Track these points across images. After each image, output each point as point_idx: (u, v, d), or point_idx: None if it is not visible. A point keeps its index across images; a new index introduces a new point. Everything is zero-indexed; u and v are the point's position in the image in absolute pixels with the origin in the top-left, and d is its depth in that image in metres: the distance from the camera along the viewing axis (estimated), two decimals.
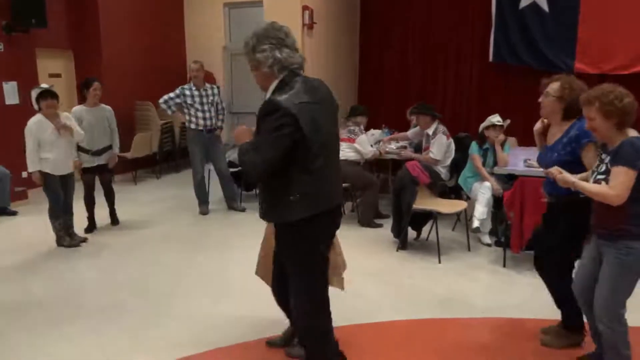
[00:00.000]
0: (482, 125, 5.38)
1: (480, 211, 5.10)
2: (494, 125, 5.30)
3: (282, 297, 2.86)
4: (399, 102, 7.99)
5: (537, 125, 3.40)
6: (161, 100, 6.27)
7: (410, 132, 6.26)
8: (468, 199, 5.47)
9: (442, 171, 5.61)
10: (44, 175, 4.98)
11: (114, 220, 5.94)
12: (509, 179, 5.06)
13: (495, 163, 5.25)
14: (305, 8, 6.72)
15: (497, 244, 5.14)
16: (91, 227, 5.72)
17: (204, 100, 6.23)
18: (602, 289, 2.73)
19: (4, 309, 3.96)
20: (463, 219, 5.44)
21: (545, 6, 7.06)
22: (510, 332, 3.54)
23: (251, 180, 2.58)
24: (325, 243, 2.64)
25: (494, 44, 7.49)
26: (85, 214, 5.65)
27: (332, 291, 2.98)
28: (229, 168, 6.58)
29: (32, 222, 5.90)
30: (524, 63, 7.10)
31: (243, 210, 6.50)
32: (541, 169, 3.39)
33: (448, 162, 5.68)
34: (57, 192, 5.07)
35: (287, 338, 3.30)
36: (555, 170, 2.79)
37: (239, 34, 9.24)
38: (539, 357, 3.23)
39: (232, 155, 6.92)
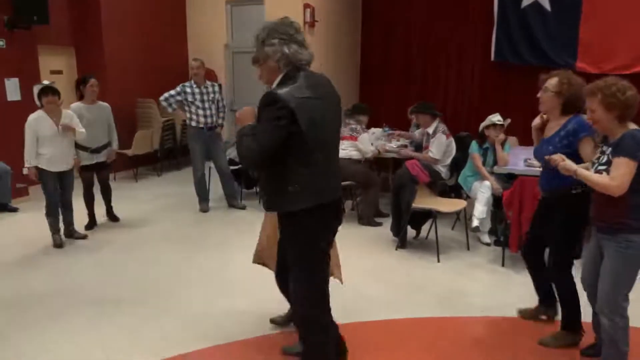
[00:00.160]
0: (483, 124, 5.38)
1: (480, 210, 5.10)
2: (494, 125, 5.29)
3: (284, 283, 2.88)
4: (400, 101, 8.00)
5: (536, 121, 3.42)
6: (162, 98, 6.27)
7: (417, 133, 6.26)
8: (468, 198, 5.47)
9: (442, 170, 5.62)
10: (40, 171, 4.98)
11: (113, 217, 5.94)
12: (508, 179, 5.06)
13: (495, 162, 5.25)
14: (306, 6, 6.74)
15: (497, 243, 5.15)
16: (91, 224, 5.73)
17: (205, 97, 6.23)
18: (603, 283, 2.75)
19: (4, 304, 3.97)
20: (463, 218, 5.44)
21: (547, 5, 7.06)
22: (508, 331, 3.55)
23: (246, 164, 2.61)
24: (325, 236, 2.67)
25: (495, 42, 7.50)
26: (85, 211, 5.67)
27: (331, 288, 3.00)
28: (230, 166, 6.59)
29: (33, 219, 5.91)
30: (525, 62, 7.10)
31: (243, 207, 6.51)
32: (541, 169, 3.42)
33: (448, 161, 5.69)
34: (52, 188, 5.06)
35: (289, 318, 3.41)
36: (558, 157, 2.80)
37: (240, 32, 9.24)
38: (537, 356, 3.24)
39: (233, 152, 6.93)
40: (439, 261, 4.80)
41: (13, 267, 4.71)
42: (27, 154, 4.93)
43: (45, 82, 5.14)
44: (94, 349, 3.34)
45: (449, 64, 8.06)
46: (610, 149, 2.70)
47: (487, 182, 5.15)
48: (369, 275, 4.49)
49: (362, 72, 8.72)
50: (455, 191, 5.87)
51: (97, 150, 5.56)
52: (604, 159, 2.72)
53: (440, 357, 3.25)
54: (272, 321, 3.58)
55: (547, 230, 3.31)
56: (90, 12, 7.85)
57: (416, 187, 5.00)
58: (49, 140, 4.94)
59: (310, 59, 2.57)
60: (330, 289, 2.95)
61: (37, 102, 4.99)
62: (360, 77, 8.74)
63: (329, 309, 2.80)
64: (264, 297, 3.82)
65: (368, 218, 5.85)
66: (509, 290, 4.08)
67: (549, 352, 3.26)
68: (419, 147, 6.02)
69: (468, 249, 5.10)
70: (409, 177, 5.00)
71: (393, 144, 6.31)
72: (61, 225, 5.31)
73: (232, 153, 6.92)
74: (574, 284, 3.26)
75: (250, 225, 5.70)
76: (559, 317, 3.44)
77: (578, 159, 3.03)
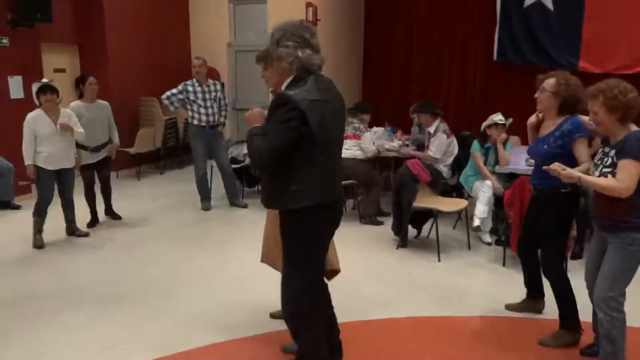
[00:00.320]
0: (484, 123, 5.37)
1: (481, 210, 5.09)
2: (496, 124, 5.28)
3: None
4: (402, 100, 7.99)
5: (532, 119, 3.47)
6: (164, 97, 6.29)
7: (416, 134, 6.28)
8: (469, 197, 5.47)
9: (444, 169, 5.61)
10: (37, 169, 4.98)
11: (113, 214, 5.95)
12: (510, 178, 5.06)
13: (496, 162, 5.24)
14: (309, 5, 6.74)
15: (498, 242, 5.14)
16: (93, 222, 5.75)
17: (207, 96, 6.25)
18: (603, 274, 2.79)
19: (4, 301, 4.00)
20: (464, 217, 5.44)
21: (550, 5, 7.05)
22: (508, 330, 3.54)
23: (255, 164, 2.71)
24: (323, 235, 2.71)
25: (498, 42, 7.49)
26: (87, 209, 5.69)
27: (332, 287, 3.01)
28: (231, 164, 6.60)
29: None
30: (528, 61, 7.09)
31: (245, 206, 6.52)
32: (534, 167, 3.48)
33: (450, 160, 5.68)
34: (47, 188, 5.06)
35: None
36: (558, 167, 2.81)
37: (243, 31, 9.26)
38: (537, 355, 3.23)
39: (235, 151, 6.96)
40: (439, 260, 4.79)
41: (14, 265, 4.73)
42: (26, 152, 4.93)
43: (44, 80, 5.14)
44: (94, 347, 3.36)
45: (451, 63, 8.05)
46: (613, 150, 2.72)
47: (488, 182, 5.14)
48: (370, 274, 4.49)
49: (365, 71, 8.72)
50: (457, 190, 5.87)
51: (96, 149, 5.56)
52: (608, 161, 2.74)
53: (440, 356, 3.25)
54: (272, 315, 3.60)
55: (538, 227, 3.37)
56: (93, 10, 7.86)
57: (417, 186, 5.00)
58: (47, 139, 4.94)
59: (322, 63, 2.62)
60: (330, 288, 2.99)
61: (36, 101, 4.99)
62: (363, 76, 8.73)
63: (328, 305, 2.85)
64: (265, 295, 3.82)
65: (369, 217, 5.85)
66: (509, 290, 4.07)
67: (549, 351, 3.26)
68: (421, 146, 6.02)
69: (469, 248, 5.10)
70: (410, 176, 4.99)
71: (394, 143, 6.31)
72: (63, 225, 5.34)
73: (234, 151, 6.94)
74: (568, 282, 3.30)
75: (252, 224, 5.73)
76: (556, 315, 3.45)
77: (572, 160, 3.08)
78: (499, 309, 3.80)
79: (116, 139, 5.76)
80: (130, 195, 7.00)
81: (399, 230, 5.16)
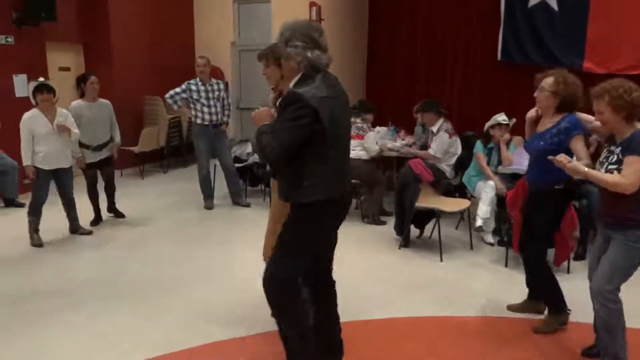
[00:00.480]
0: (488, 124, 5.36)
1: (484, 210, 5.08)
2: (499, 124, 5.28)
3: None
4: (406, 100, 7.99)
5: (531, 113, 3.53)
6: (167, 95, 6.31)
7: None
8: (472, 197, 5.46)
9: (447, 169, 5.60)
10: (35, 169, 4.99)
11: (117, 212, 5.95)
12: (513, 179, 5.05)
13: (499, 162, 5.23)
14: (312, 4, 6.74)
15: (500, 243, 5.13)
16: (97, 220, 5.77)
17: (210, 95, 6.26)
18: (603, 267, 2.82)
19: (6, 299, 4.02)
20: (467, 217, 5.43)
21: (554, 5, 7.02)
22: (509, 330, 3.53)
23: (267, 160, 2.75)
24: (327, 231, 2.77)
25: (502, 42, 7.46)
26: (91, 208, 5.71)
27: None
28: (235, 163, 6.61)
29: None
30: (532, 62, 7.06)
31: (248, 205, 6.53)
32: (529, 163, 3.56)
33: (453, 160, 5.67)
34: (42, 187, 5.07)
35: None
36: (564, 159, 2.83)
37: (247, 30, 9.27)
38: (537, 355, 3.23)
39: (238, 150, 6.97)
40: (441, 260, 4.79)
41: (17, 263, 4.75)
42: (24, 153, 4.94)
43: (41, 79, 5.13)
44: (95, 346, 3.37)
45: (455, 63, 8.03)
46: (619, 148, 2.75)
47: (491, 182, 5.13)
48: (372, 273, 4.49)
49: (368, 71, 8.72)
50: (460, 191, 5.86)
51: (98, 148, 5.56)
52: (614, 158, 2.77)
53: (441, 356, 3.25)
54: (273, 315, 3.58)
55: (528, 218, 3.48)
56: (98, 10, 7.89)
57: (420, 186, 4.99)
58: (44, 139, 4.94)
59: (330, 62, 2.66)
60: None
61: (32, 100, 4.99)
62: (367, 75, 8.73)
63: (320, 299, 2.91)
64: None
65: (372, 216, 5.86)
66: (511, 291, 4.06)
67: (549, 351, 3.26)
68: (425, 146, 6.00)
69: (471, 248, 5.09)
70: (412, 176, 4.99)
71: (397, 143, 6.30)
72: (66, 223, 5.37)
73: (237, 151, 6.95)
74: (549, 269, 3.48)
75: (255, 223, 5.73)
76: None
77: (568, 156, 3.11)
78: (500, 309, 3.79)
79: (118, 138, 5.77)
80: (134, 193, 7.02)
81: (402, 230, 5.16)
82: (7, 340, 3.44)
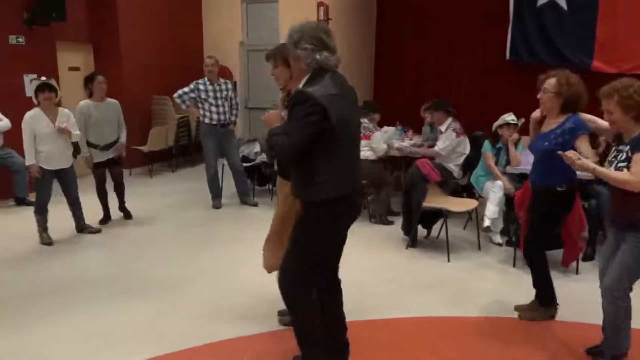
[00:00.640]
0: (496, 123, 5.34)
1: (492, 210, 5.06)
2: (507, 124, 5.25)
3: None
4: (414, 99, 7.95)
5: (536, 114, 3.54)
6: (176, 95, 6.34)
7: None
8: (480, 197, 5.44)
9: (454, 169, 5.59)
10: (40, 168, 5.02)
11: (126, 214, 5.95)
12: (521, 179, 5.03)
13: (508, 162, 5.21)
14: (320, 4, 6.75)
15: (508, 243, 5.10)
16: (106, 218, 5.82)
17: (218, 95, 6.28)
18: (614, 266, 2.82)
19: (17, 296, 4.07)
20: (475, 218, 5.41)
21: (563, 4, 6.97)
22: (515, 331, 3.52)
23: (281, 162, 2.84)
24: (344, 225, 2.79)
25: (510, 41, 7.42)
26: (100, 206, 5.76)
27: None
28: (242, 163, 6.64)
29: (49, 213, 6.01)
30: (540, 61, 7.01)
31: (255, 204, 6.55)
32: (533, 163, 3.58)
33: (461, 160, 5.65)
34: (45, 187, 5.10)
35: None
36: (573, 155, 2.82)
37: (255, 30, 9.29)
38: (543, 356, 3.21)
39: (246, 150, 6.99)
40: (449, 261, 4.78)
41: (27, 261, 4.80)
42: (27, 152, 4.97)
43: (43, 78, 5.15)
44: (100, 342, 3.40)
45: (463, 62, 7.99)
46: (628, 147, 2.75)
47: (499, 182, 5.11)
48: (379, 273, 4.49)
49: (376, 70, 8.70)
50: (468, 191, 5.84)
51: (106, 147, 5.58)
52: (623, 156, 2.77)
53: (446, 356, 3.24)
54: (280, 313, 3.62)
55: (529, 219, 3.53)
56: (107, 9, 7.95)
57: (427, 186, 4.99)
58: (45, 138, 4.97)
59: (338, 63, 2.70)
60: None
61: (34, 100, 5.02)
62: (374, 74, 8.71)
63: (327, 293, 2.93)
64: (273, 293, 3.83)
65: (380, 216, 5.86)
66: (518, 291, 4.04)
67: (556, 351, 3.24)
68: (432, 147, 5.99)
69: (479, 249, 5.07)
70: (420, 176, 4.98)
71: (405, 143, 6.29)
72: (72, 222, 5.42)
73: (245, 150, 6.97)
74: (545, 265, 3.53)
75: (262, 222, 5.69)
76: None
77: None
78: (508, 310, 3.78)
79: (123, 138, 5.73)
80: (143, 192, 7.06)
81: (409, 230, 5.16)
82: (14, 336, 3.47)
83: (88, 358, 3.23)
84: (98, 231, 5.46)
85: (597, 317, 3.12)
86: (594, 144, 3.80)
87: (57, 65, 7.37)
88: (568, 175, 3.28)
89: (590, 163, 2.79)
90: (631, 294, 2.85)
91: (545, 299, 3.60)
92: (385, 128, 6.67)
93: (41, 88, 4.97)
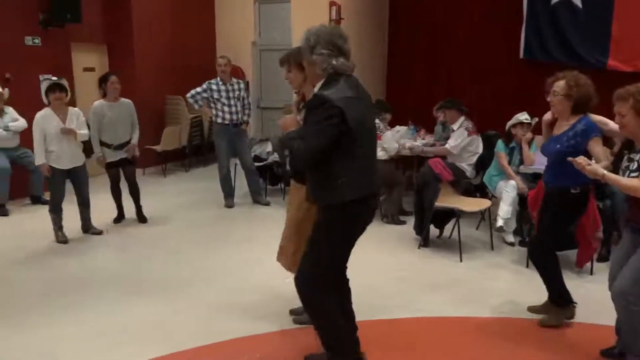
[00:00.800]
0: (509, 122, 5.30)
1: (505, 210, 5.02)
2: (521, 123, 5.22)
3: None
4: (426, 99, 7.91)
5: (547, 116, 3.52)
6: (189, 95, 6.38)
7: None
8: (493, 197, 5.40)
9: (467, 169, 5.56)
10: (50, 168, 5.07)
11: (141, 219, 5.86)
12: (534, 178, 4.99)
13: (521, 162, 5.18)
14: (332, 4, 6.74)
15: (522, 243, 5.07)
16: (120, 217, 5.87)
17: (230, 94, 6.32)
18: (628, 270, 2.78)
19: (32, 293, 4.13)
20: (487, 217, 5.37)
21: (578, 2, 6.88)
22: (526, 332, 3.50)
23: (298, 165, 2.85)
24: (363, 226, 2.80)
25: (524, 40, 7.35)
26: (113, 205, 5.81)
27: (352, 286, 3.03)
28: (255, 162, 6.66)
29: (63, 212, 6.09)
30: (555, 60, 6.94)
31: (268, 204, 6.57)
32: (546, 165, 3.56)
33: (474, 159, 5.62)
34: (59, 186, 5.15)
35: None
36: (583, 161, 2.80)
37: (268, 30, 9.32)
38: (557, 356, 3.19)
39: (258, 149, 7.02)
40: (461, 261, 4.75)
41: (42, 259, 4.87)
42: (37, 152, 5.03)
43: (53, 78, 5.20)
44: (113, 339, 3.44)
45: (476, 62, 7.93)
46: (639, 155, 2.72)
47: (512, 182, 5.08)
48: (390, 273, 4.48)
49: (389, 70, 8.67)
50: (480, 190, 5.80)
51: (119, 147, 5.59)
52: (634, 165, 2.73)
53: (457, 356, 3.23)
54: (292, 312, 3.63)
55: (541, 218, 3.50)
56: (122, 11, 8.02)
57: (439, 185, 4.97)
58: (56, 138, 5.01)
59: (353, 67, 2.72)
60: (350, 285, 3.02)
61: (45, 99, 5.07)
62: (387, 74, 8.69)
63: (341, 295, 2.93)
64: (285, 292, 3.85)
65: (392, 216, 5.84)
66: (531, 292, 4.00)
67: (569, 352, 3.21)
68: None
69: (492, 249, 5.04)
70: (432, 175, 4.97)
71: (418, 142, 6.27)
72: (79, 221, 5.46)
73: (257, 150, 7.00)
74: (556, 266, 3.45)
75: (274, 222, 5.74)
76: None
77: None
78: (520, 310, 3.75)
79: (135, 139, 5.71)
80: (156, 192, 7.12)
81: (421, 229, 5.14)
82: (27, 330, 3.53)
83: (98, 356, 3.26)
84: (100, 232, 5.47)
85: (611, 318, 3.09)
86: (608, 143, 3.76)
87: (72, 65, 7.46)
88: (582, 177, 3.22)
89: (600, 169, 2.76)
90: None
91: (559, 300, 3.54)
92: (398, 127, 6.66)
93: (52, 88, 5.02)
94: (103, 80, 5.58)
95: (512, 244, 5.11)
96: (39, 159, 5.05)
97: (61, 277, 4.44)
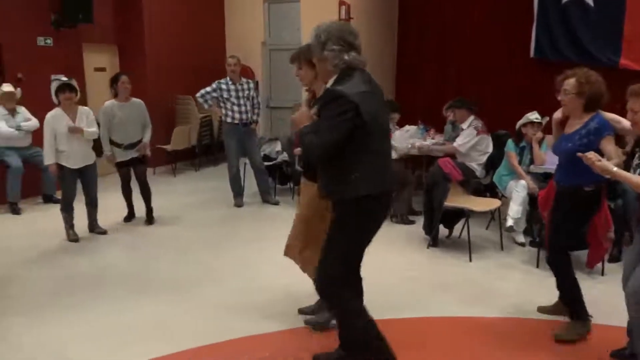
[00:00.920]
0: (520, 122, 5.28)
1: (515, 210, 5.00)
2: (531, 123, 5.18)
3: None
4: (436, 98, 7.88)
5: (558, 115, 3.44)
6: (198, 95, 6.41)
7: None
8: (503, 197, 5.38)
9: (477, 168, 5.53)
10: (60, 168, 5.13)
11: (149, 219, 5.84)
12: (545, 178, 4.96)
13: (531, 161, 5.15)
14: (342, 3, 6.75)
15: (532, 244, 5.03)
16: (130, 216, 5.91)
17: (240, 94, 6.34)
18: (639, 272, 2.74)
19: (44, 290, 4.17)
20: (497, 217, 5.34)
21: (590, 0, 6.83)
22: (534, 332, 3.48)
23: (312, 161, 2.83)
24: (380, 221, 2.78)
25: (535, 39, 7.30)
26: (123, 204, 5.87)
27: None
28: (264, 162, 6.68)
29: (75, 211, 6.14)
30: (566, 59, 6.89)
31: (277, 203, 6.58)
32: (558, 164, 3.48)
33: (483, 159, 5.58)
34: (69, 185, 5.20)
35: (317, 307, 3.51)
36: (593, 156, 2.76)
37: (277, 30, 9.34)
38: (567, 358, 3.17)
39: (267, 149, 7.04)
40: (471, 260, 4.73)
41: (53, 257, 4.92)
42: (47, 152, 5.08)
43: (63, 78, 5.25)
44: (122, 336, 3.47)
45: (486, 61, 7.89)
46: None
47: (522, 182, 5.05)
48: (399, 272, 4.48)
49: (398, 69, 8.66)
50: (490, 190, 5.77)
51: (129, 147, 5.62)
52: None
53: (464, 356, 3.22)
54: (301, 311, 3.64)
55: (553, 217, 3.41)
56: (133, 11, 8.08)
57: (449, 185, 4.95)
58: (66, 137, 5.06)
59: (366, 62, 2.71)
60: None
61: (54, 99, 5.11)
62: (396, 73, 8.67)
63: (360, 293, 2.94)
64: (294, 291, 3.87)
65: (401, 216, 5.83)
66: (540, 292, 3.98)
67: (579, 354, 3.19)
68: None
69: (502, 249, 5.01)
70: (441, 175, 4.95)
71: (427, 142, 6.25)
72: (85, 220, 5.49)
73: (266, 149, 7.02)
74: (571, 271, 3.34)
75: (284, 221, 5.73)
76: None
77: None
78: (530, 311, 3.73)
79: (147, 137, 5.71)
80: (166, 191, 7.16)
81: (430, 229, 5.12)
82: (38, 328, 3.57)
83: (106, 354, 3.28)
84: (104, 232, 5.48)
85: (622, 319, 3.07)
86: (620, 142, 3.72)
87: (83, 66, 7.53)
88: (595, 175, 3.17)
89: (610, 165, 2.72)
90: None
91: (580, 312, 3.37)
92: (407, 127, 6.64)
93: (61, 88, 5.07)
94: (114, 81, 5.62)
95: (522, 244, 5.08)
96: (47, 159, 5.11)
97: (71, 275, 4.48)
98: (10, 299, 4.02)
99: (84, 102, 6.15)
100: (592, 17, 6.85)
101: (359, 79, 2.61)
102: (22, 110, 6.44)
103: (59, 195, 6.70)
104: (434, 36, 8.24)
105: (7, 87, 6.31)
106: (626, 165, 2.97)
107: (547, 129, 5.40)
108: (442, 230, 5.22)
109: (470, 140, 5.45)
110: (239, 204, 6.53)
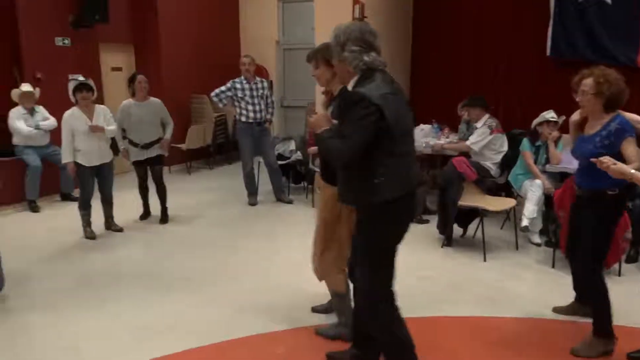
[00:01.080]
0: (535, 121, 5.23)
1: (530, 210, 4.95)
2: (547, 122, 5.14)
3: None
4: (451, 98, 7.83)
5: (575, 117, 3.32)
6: (213, 94, 6.45)
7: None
8: (518, 196, 5.33)
9: (492, 167, 5.49)
10: (78, 166, 5.19)
11: (164, 218, 5.87)
12: (561, 178, 4.91)
13: (547, 160, 5.10)
14: (356, 2, 6.73)
15: (547, 244, 4.99)
16: (146, 214, 5.97)
17: (254, 93, 6.37)
18: None
19: (60, 287, 4.23)
20: (512, 217, 5.30)
21: None
22: (547, 333, 3.45)
23: (337, 165, 2.71)
24: (407, 224, 2.71)
25: (551, 37, 7.21)
26: (140, 203, 5.93)
27: None
28: (278, 161, 6.71)
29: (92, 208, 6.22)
30: (583, 57, 6.81)
31: (290, 202, 6.61)
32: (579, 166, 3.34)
33: (498, 158, 5.54)
34: (87, 183, 5.26)
35: (330, 307, 3.53)
36: (608, 160, 2.70)
37: (291, 29, 9.36)
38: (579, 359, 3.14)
39: (281, 148, 7.06)
40: (485, 260, 4.71)
41: (71, 254, 4.98)
42: (65, 150, 5.15)
43: (80, 78, 5.32)
44: (137, 331, 3.51)
45: (501, 60, 7.82)
46: None
47: (538, 181, 5.00)
48: (413, 272, 4.45)
49: (413, 68, 8.62)
50: (506, 189, 5.73)
51: (146, 146, 5.65)
52: None
53: (478, 356, 3.20)
54: (314, 310, 3.65)
55: (579, 228, 3.23)
56: (148, 11, 8.15)
57: (463, 184, 4.93)
58: (84, 136, 5.12)
59: (386, 63, 2.68)
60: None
61: (72, 98, 5.18)
62: (411, 73, 8.64)
63: (394, 302, 2.86)
64: (307, 289, 3.88)
65: (415, 215, 5.81)
66: (555, 292, 3.95)
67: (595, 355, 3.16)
68: None
69: (517, 249, 4.98)
70: (456, 174, 4.93)
71: (441, 141, 6.22)
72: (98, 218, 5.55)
73: (280, 148, 7.04)
74: (604, 286, 3.15)
75: (297, 219, 5.80)
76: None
77: (618, 160, 2.89)
78: (546, 311, 3.70)
79: (168, 134, 5.76)
80: (181, 189, 7.21)
81: (444, 228, 5.10)
82: (54, 325, 3.62)
83: (120, 352, 3.32)
84: (121, 230, 5.54)
85: (638, 321, 3.03)
86: None
87: (100, 65, 7.62)
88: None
89: (626, 168, 2.63)
90: None
91: (606, 328, 3.17)
92: (422, 126, 6.62)
93: (79, 88, 5.14)
94: (131, 80, 5.68)
95: (537, 244, 5.04)
96: (65, 157, 5.18)
97: (88, 272, 4.54)
98: (26, 296, 4.08)
99: (100, 101, 6.22)
100: (609, 15, 6.75)
101: (382, 81, 2.56)
102: (41, 110, 6.54)
103: (76, 193, 6.80)
104: (448, 35, 8.19)
105: (26, 87, 6.41)
106: None
107: (563, 128, 5.36)
108: (457, 230, 5.19)
109: (483, 138, 5.41)
110: (252, 203, 6.56)
